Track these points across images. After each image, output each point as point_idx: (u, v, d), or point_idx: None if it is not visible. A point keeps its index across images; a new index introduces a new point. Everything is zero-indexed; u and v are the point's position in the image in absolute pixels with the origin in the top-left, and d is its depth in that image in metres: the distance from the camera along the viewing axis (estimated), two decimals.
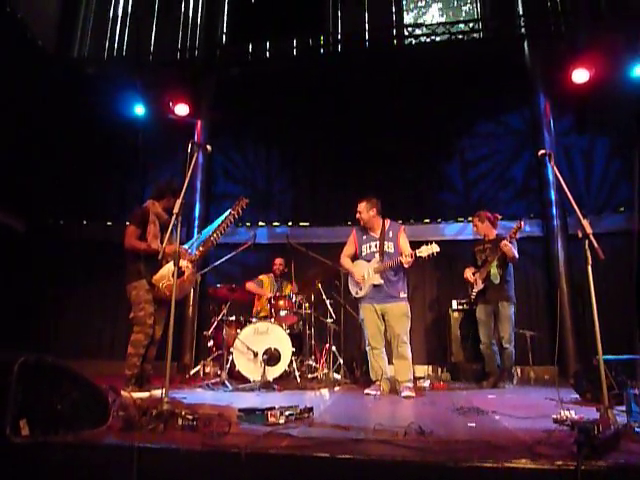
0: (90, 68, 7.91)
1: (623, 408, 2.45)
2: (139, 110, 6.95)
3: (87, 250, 7.21)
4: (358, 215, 4.46)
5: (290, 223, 7.09)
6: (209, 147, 3.19)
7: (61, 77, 7.28)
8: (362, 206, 4.44)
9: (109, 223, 7.36)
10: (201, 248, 3.80)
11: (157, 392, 3.57)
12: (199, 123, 7.04)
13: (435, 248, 4.04)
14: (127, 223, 3.93)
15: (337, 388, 4.64)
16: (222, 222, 3.77)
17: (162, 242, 3.74)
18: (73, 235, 7.28)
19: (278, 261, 6.00)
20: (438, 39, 7.04)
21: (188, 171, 2.82)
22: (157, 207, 3.94)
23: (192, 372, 5.48)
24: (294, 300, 5.32)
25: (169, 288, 3.55)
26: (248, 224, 7.03)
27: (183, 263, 3.71)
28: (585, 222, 2.56)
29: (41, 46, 7.27)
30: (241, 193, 6.97)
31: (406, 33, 7.26)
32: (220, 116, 7.05)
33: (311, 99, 7.04)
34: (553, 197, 6.23)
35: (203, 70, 7.19)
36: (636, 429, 2.20)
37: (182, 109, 6.84)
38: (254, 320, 5.02)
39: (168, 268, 3.64)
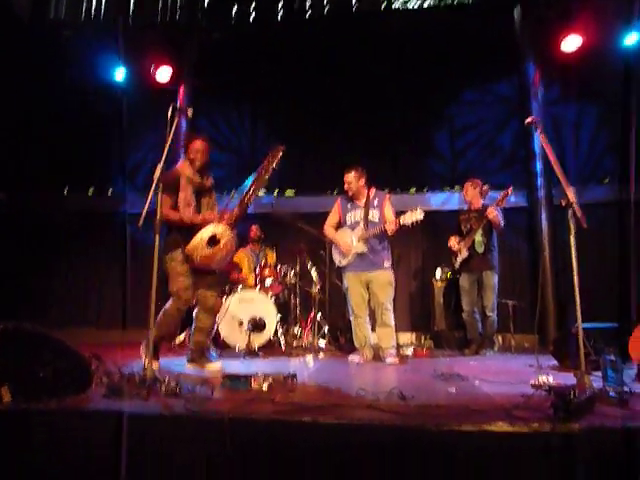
0: (67, 31, 7.59)
1: (600, 374, 2.51)
2: (119, 75, 6.73)
3: (70, 219, 7.08)
4: (347, 186, 4.41)
5: (276, 193, 7.02)
6: (190, 111, 3.10)
7: (36, 40, 6.99)
8: (352, 176, 4.38)
9: (91, 192, 7.23)
10: (236, 210, 3.55)
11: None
12: (182, 88, 6.85)
13: (418, 215, 4.03)
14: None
15: (321, 355, 4.70)
16: (256, 179, 3.51)
17: (199, 209, 3.60)
18: (55, 204, 7.14)
19: (254, 227, 5.94)
20: (426, 4, 6.86)
21: (169, 136, 2.75)
22: (187, 169, 3.60)
23: (177, 341, 5.49)
24: (279, 269, 5.32)
25: (203, 258, 3.40)
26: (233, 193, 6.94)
27: (219, 230, 3.48)
28: (569, 190, 2.57)
29: (14, 8, 6.95)
30: (226, 160, 6.92)
31: None
32: (203, 81, 6.86)
33: (297, 65, 6.87)
34: (539, 167, 6.22)
35: (185, 34, 6.95)
36: (611, 393, 2.26)
37: (164, 74, 6.64)
38: (239, 289, 5.01)
39: (200, 237, 3.42)
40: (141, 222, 2.61)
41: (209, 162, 3.71)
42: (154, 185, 2.66)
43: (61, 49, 6.95)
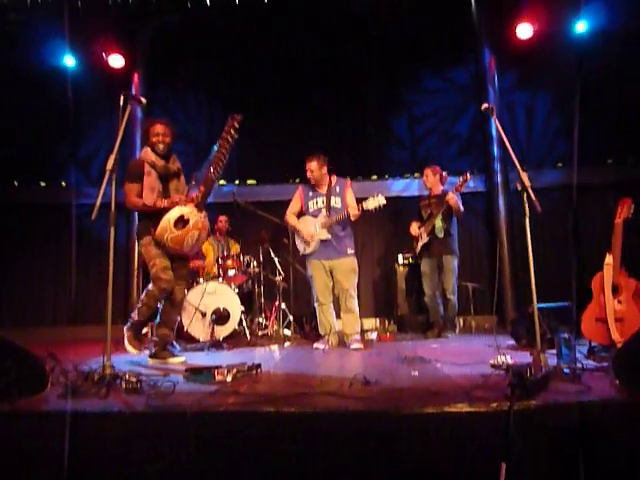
0: (12, 15, 7.20)
1: (555, 351, 2.60)
2: (69, 61, 6.45)
3: (20, 213, 6.82)
4: (309, 174, 4.38)
5: (237, 181, 6.93)
6: (143, 99, 3.00)
7: None
8: (314, 165, 4.36)
9: (43, 184, 6.95)
10: (201, 188, 3.44)
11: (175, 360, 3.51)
12: (135, 75, 6.63)
13: (381, 200, 4.06)
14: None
15: (287, 344, 4.69)
16: (216, 153, 3.39)
17: (167, 194, 3.48)
18: (4, 198, 6.83)
19: (222, 218, 5.86)
20: None
21: (121, 124, 2.65)
22: (149, 155, 3.49)
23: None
24: (242, 259, 5.27)
25: (174, 241, 3.33)
26: (193, 183, 6.80)
27: (186, 210, 3.38)
28: (524, 175, 2.63)
29: None
30: (183, 150, 6.72)
31: None
32: (158, 67, 6.67)
33: (254, 50, 6.76)
34: (496, 152, 6.37)
35: (138, 17, 6.70)
36: (565, 370, 2.35)
37: (116, 60, 6.41)
38: (201, 281, 4.94)
39: (167, 219, 3.33)
40: (94, 215, 2.52)
41: (172, 145, 3.58)
42: (107, 176, 2.56)
43: (7, 34, 6.60)
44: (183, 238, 3.35)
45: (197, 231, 3.41)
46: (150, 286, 3.47)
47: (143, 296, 3.49)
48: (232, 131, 3.33)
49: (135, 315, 3.52)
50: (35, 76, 6.54)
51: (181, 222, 3.35)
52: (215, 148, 3.42)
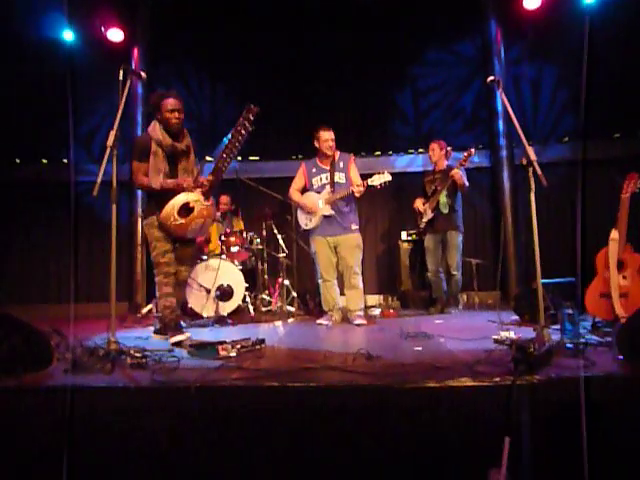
0: None
1: (558, 327, 2.60)
2: (68, 36, 6.34)
3: (23, 190, 6.80)
4: (331, 143, 4.33)
5: (239, 157, 6.86)
6: (143, 74, 2.94)
7: None
8: (333, 135, 4.35)
9: (45, 161, 6.91)
10: (210, 177, 3.29)
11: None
12: (136, 50, 6.51)
13: (387, 177, 4.04)
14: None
15: (291, 320, 4.72)
16: (229, 143, 3.19)
17: (175, 174, 3.32)
18: (6, 175, 6.80)
19: (224, 199, 5.82)
20: None
21: (121, 100, 2.61)
22: (158, 132, 3.26)
23: (144, 311, 5.42)
24: (245, 236, 5.27)
25: (176, 227, 3.23)
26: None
27: (192, 197, 3.24)
28: (530, 149, 2.59)
29: None
30: (185, 126, 6.68)
31: None
32: (159, 44, 6.55)
33: (259, 26, 6.62)
34: (501, 127, 6.27)
35: None
36: (568, 345, 2.35)
37: (116, 34, 6.29)
38: (205, 257, 4.95)
39: (172, 206, 3.20)
40: (95, 192, 2.50)
41: (183, 122, 3.36)
42: (108, 152, 2.53)
43: (5, 7, 6.48)
44: (187, 226, 3.25)
45: (202, 219, 3.30)
46: (155, 277, 3.39)
47: (156, 291, 3.40)
48: (246, 123, 3.15)
49: (160, 314, 3.42)
50: (34, 51, 6.44)
51: (185, 210, 3.24)
52: (228, 138, 3.27)
